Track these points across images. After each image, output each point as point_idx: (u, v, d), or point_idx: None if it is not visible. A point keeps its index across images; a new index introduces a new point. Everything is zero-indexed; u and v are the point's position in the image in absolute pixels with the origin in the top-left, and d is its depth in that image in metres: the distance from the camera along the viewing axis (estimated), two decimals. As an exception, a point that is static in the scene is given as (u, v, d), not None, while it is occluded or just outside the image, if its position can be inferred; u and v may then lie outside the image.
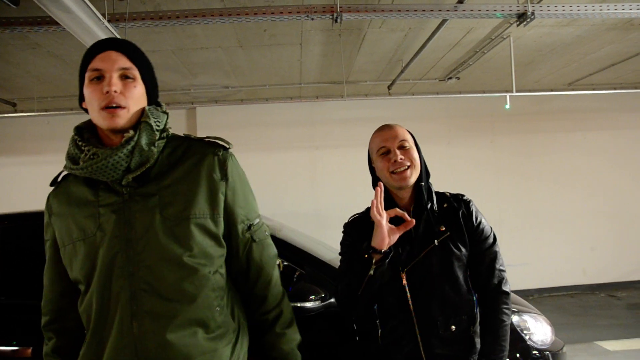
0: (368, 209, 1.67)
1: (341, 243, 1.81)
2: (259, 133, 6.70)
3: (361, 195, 6.64)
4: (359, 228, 1.73)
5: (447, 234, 1.65)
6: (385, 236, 1.50)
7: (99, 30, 2.54)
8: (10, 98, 5.79)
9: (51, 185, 1.32)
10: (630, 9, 3.49)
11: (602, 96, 6.43)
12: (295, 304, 2.41)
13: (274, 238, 2.79)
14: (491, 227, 1.77)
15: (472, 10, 3.37)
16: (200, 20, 3.33)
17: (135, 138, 1.18)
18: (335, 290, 1.78)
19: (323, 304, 2.44)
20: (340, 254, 1.82)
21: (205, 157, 1.29)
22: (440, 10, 3.35)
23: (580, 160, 6.95)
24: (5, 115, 5.87)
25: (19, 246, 3.01)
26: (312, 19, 3.35)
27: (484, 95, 5.76)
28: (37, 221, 2.51)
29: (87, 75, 1.18)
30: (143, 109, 1.23)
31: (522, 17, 3.48)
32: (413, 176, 1.65)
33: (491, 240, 1.74)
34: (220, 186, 1.27)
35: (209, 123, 6.66)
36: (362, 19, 3.56)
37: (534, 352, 2.70)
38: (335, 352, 2.49)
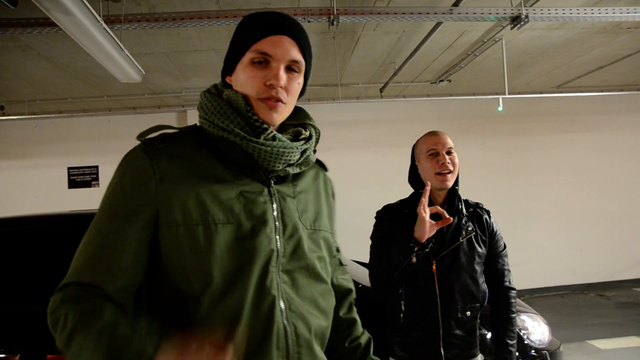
0: (401, 201, 2.02)
1: (376, 227, 2.03)
2: (250, 136, 6.69)
3: (353, 197, 6.69)
4: (391, 214, 1.98)
5: (474, 233, 1.92)
6: (427, 230, 1.69)
7: (96, 31, 2.52)
8: (-2, 101, 5.72)
9: (147, 136, 1.02)
10: (620, 13, 3.55)
11: (590, 98, 6.52)
12: None
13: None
14: (502, 237, 2.05)
15: (467, 13, 3.40)
16: (195, 22, 3.31)
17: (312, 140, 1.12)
18: (370, 271, 1.99)
19: None
20: (372, 237, 2.03)
21: (319, 172, 1.24)
22: (435, 13, 3.38)
23: (569, 161, 7.04)
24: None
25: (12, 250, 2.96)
26: (309, 22, 3.35)
27: (476, 97, 5.81)
28: (25, 226, 2.48)
29: (250, 55, 1.00)
30: (301, 109, 1.17)
31: (516, 20, 3.52)
32: (452, 180, 1.87)
33: (503, 246, 2.02)
34: (333, 204, 1.25)
35: (200, 126, 6.63)
36: (357, 22, 3.57)
37: (532, 351, 2.73)
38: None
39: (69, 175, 6.50)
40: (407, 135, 6.64)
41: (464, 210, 1.95)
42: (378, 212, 2.07)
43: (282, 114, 1.05)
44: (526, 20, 3.47)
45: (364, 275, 2.99)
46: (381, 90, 5.78)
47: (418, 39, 4.26)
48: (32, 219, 3.04)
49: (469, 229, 1.92)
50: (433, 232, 1.73)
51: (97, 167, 6.56)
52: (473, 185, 6.71)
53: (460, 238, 1.89)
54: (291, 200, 1.08)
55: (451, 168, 1.86)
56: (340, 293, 1.25)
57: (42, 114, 5.98)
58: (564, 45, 4.76)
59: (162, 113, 6.59)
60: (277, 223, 1.02)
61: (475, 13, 3.40)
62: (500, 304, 1.99)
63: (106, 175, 6.45)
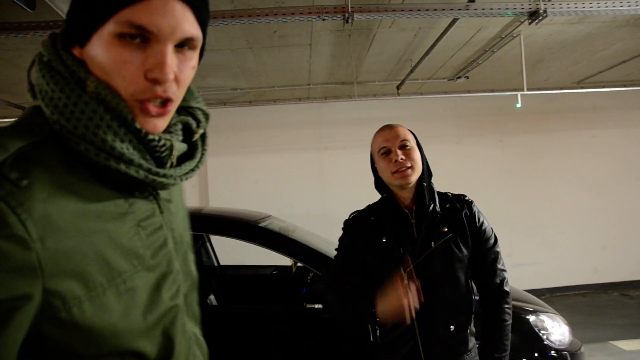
0: (368, 207, 1.83)
1: (340, 240, 1.84)
2: (267, 134, 6.71)
3: (370, 195, 6.65)
4: (359, 227, 1.78)
5: (450, 235, 1.67)
6: (393, 315, 1.50)
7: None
8: (20, 102, 5.81)
9: None
10: (643, 5, 3.47)
11: (612, 94, 6.38)
12: (313, 306, 2.41)
13: (287, 239, 2.81)
14: (492, 228, 1.80)
15: (483, 9, 3.35)
16: (210, 22, 3.31)
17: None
18: (323, 291, 1.82)
19: None
20: (337, 249, 1.86)
21: None
22: (451, 10, 3.33)
23: (590, 158, 6.90)
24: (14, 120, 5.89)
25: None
26: (323, 20, 3.34)
27: (494, 94, 5.73)
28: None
29: (116, 28, 0.65)
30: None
31: (534, 15, 3.46)
32: (414, 175, 1.67)
33: (492, 240, 1.77)
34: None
35: (218, 125, 6.64)
36: (372, 19, 3.54)
37: (552, 352, 2.68)
38: (351, 354, 2.48)
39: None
40: (424, 133, 6.59)
41: (438, 208, 1.71)
42: (345, 222, 1.85)
43: (168, 119, 0.74)
44: (544, 15, 3.40)
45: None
46: (398, 87, 5.74)
47: (434, 36, 4.21)
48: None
49: (443, 230, 1.67)
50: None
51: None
52: (491, 183, 6.68)
53: (432, 244, 1.65)
54: (170, 205, 0.82)
55: (408, 164, 1.65)
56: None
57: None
58: (584, 39, 4.67)
59: (179, 112, 6.62)
60: (171, 244, 0.79)
61: (492, 9, 3.35)
62: (488, 309, 1.74)
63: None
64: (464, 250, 1.69)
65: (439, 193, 1.79)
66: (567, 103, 6.73)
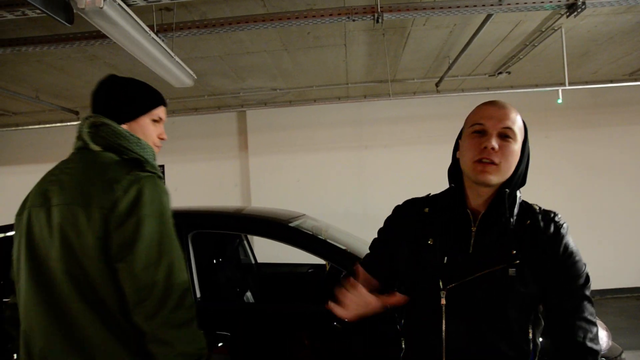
0: (428, 196, 1.49)
1: (379, 231, 1.56)
2: (307, 134, 6.78)
3: (410, 194, 6.61)
4: (406, 217, 1.46)
5: (517, 262, 1.24)
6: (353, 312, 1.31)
7: (145, 41, 2.66)
8: (73, 107, 6.14)
9: None
10: (695, -8, 3.29)
11: (668, 86, 6.06)
12: None
13: (315, 238, 2.85)
14: (585, 264, 1.30)
15: (517, 3, 3.27)
16: (244, 26, 3.40)
17: None
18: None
19: None
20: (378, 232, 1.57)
21: None
22: (484, 6, 3.28)
23: (642, 154, 6.58)
24: (69, 123, 6.23)
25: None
26: (354, 20, 3.36)
27: (535, 90, 5.56)
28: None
29: (149, 117, 1.56)
30: None
31: (572, 7, 3.35)
32: (497, 176, 1.26)
33: (582, 281, 1.28)
34: None
35: (259, 125, 6.81)
36: (404, 18, 3.53)
37: (587, 356, 2.60)
38: (380, 353, 2.50)
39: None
40: (465, 131, 6.50)
41: (513, 222, 1.29)
42: (395, 209, 1.54)
43: None
44: (583, 7, 3.28)
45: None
46: (437, 85, 5.67)
47: (470, 32, 4.14)
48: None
49: (512, 253, 1.25)
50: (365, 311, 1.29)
51: (163, 166, 6.90)
52: (535, 180, 6.44)
53: (492, 265, 1.25)
54: None
55: (497, 159, 1.24)
56: None
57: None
58: (633, 29, 4.45)
59: (222, 113, 6.82)
60: None
61: (526, 3, 3.27)
62: None
63: (171, 174, 6.80)
64: (531, 286, 1.25)
65: (523, 203, 1.37)
66: (618, 96, 6.44)
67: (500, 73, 5.55)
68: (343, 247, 2.82)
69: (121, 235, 1.28)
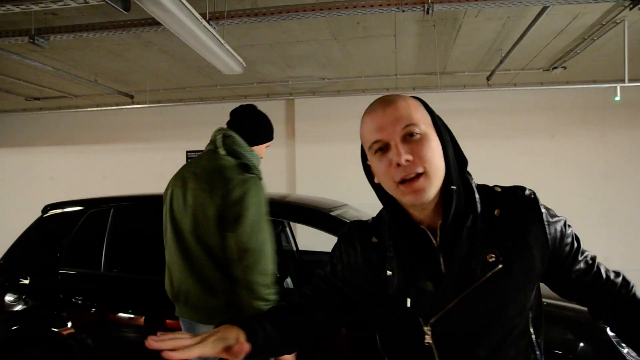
0: (372, 220, 1.24)
1: (329, 255, 1.28)
2: (355, 124, 6.67)
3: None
4: (355, 247, 1.20)
5: (499, 267, 1.03)
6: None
7: (197, 29, 2.74)
8: (128, 91, 6.38)
9: None
10: None
11: None
12: None
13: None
14: (567, 223, 1.13)
15: (576, -5, 3.16)
16: (293, 15, 3.44)
17: None
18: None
19: None
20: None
21: None
22: (539, -3, 3.18)
23: None
24: (125, 107, 6.49)
25: (140, 224, 3.36)
26: (403, 11, 3.33)
27: (592, 86, 5.33)
28: (154, 203, 2.77)
29: (265, 145, 2.37)
30: None
31: None
32: (432, 185, 1.02)
33: (574, 240, 1.13)
34: None
35: (307, 113, 6.86)
36: (455, 10, 3.47)
37: (632, 363, 2.52)
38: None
39: (187, 157, 7.08)
40: (517, 126, 6.34)
41: (479, 222, 1.06)
42: (340, 236, 1.27)
43: None
44: (648, 0, 3.14)
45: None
46: (488, 78, 5.54)
47: (525, 25, 4.02)
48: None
49: (489, 259, 1.03)
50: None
51: (211, 151, 7.06)
52: (589, 181, 6.24)
53: (473, 281, 1.03)
54: None
55: (419, 169, 1.00)
56: None
57: (165, 102, 6.56)
58: (702, 25, 4.21)
59: (271, 101, 6.92)
60: None
61: (585, -5, 3.15)
62: (617, 306, 1.10)
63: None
64: (523, 281, 1.06)
65: (482, 188, 1.14)
66: (683, 95, 6.09)
67: (556, 68, 5.36)
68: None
69: (232, 214, 1.93)
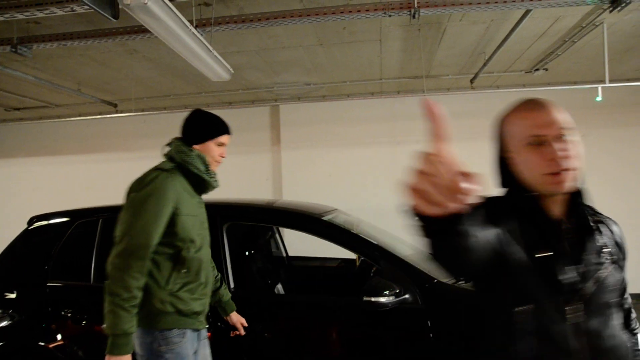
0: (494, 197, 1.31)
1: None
2: (339, 129, 6.79)
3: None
4: (501, 219, 1.23)
5: (614, 257, 1.26)
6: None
7: (186, 36, 2.73)
8: (112, 99, 6.31)
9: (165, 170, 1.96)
10: None
11: None
12: (369, 299, 2.47)
13: (348, 233, 2.88)
14: None
15: (558, -2, 3.22)
16: (281, 21, 3.45)
17: None
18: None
19: (397, 299, 2.47)
20: None
21: None
22: (522, 1, 3.24)
23: (688, 154, 6.36)
24: (109, 115, 6.42)
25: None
26: (390, 16, 3.36)
27: (574, 87, 5.43)
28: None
29: (216, 141, 2.14)
30: None
31: (615, 2, 3.28)
32: (574, 179, 1.22)
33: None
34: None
35: (291, 120, 6.85)
36: (441, 14, 3.51)
37: None
38: (407, 348, 2.52)
39: (173, 166, 7.01)
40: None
41: (592, 223, 1.27)
42: (486, 200, 1.30)
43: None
44: (628, 1, 3.22)
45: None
46: (471, 81, 5.61)
47: (508, 28, 4.08)
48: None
49: (605, 249, 1.24)
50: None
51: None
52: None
53: (603, 265, 1.21)
54: (202, 205, 2.21)
55: (570, 164, 1.18)
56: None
57: (149, 110, 6.50)
58: (679, 25, 4.32)
59: (255, 107, 6.91)
60: (203, 215, 2.18)
61: (567, -2, 3.21)
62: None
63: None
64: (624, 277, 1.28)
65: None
66: (661, 95, 6.24)
67: (537, 70, 5.45)
68: (375, 242, 2.84)
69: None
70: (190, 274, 2.02)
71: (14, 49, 3.68)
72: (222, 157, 2.18)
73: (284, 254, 4.37)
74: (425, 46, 4.63)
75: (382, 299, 2.43)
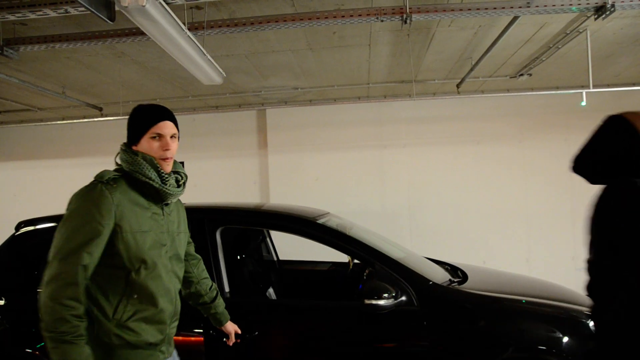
0: None
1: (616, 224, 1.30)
2: (326, 133, 6.82)
3: (428, 193, 6.60)
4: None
5: None
6: None
7: (181, 39, 2.72)
8: (97, 103, 6.24)
9: (105, 181, 1.71)
10: None
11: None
12: (370, 302, 2.49)
13: (344, 236, 2.90)
14: None
15: (545, 5, 3.29)
16: (272, 25, 3.45)
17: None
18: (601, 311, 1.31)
19: (395, 302, 2.50)
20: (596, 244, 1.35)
21: (178, 199, 2.07)
22: (512, 7, 3.30)
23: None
24: (92, 119, 6.34)
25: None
26: (382, 21, 3.39)
27: (558, 92, 5.54)
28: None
29: (150, 134, 1.78)
30: (175, 161, 1.92)
31: (600, 10, 3.36)
32: None
33: None
34: (184, 215, 2.10)
35: (278, 124, 6.86)
36: (432, 19, 3.56)
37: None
38: (405, 349, 2.54)
39: (158, 170, 6.96)
40: (485, 133, 6.53)
41: None
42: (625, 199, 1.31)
43: (170, 165, 1.84)
44: (612, 9, 3.29)
45: (434, 272, 3.01)
46: (458, 86, 5.68)
47: (495, 34, 4.16)
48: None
49: None
50: None
51: (182, 162, 6.97)
52: (556, 183, 6.46)
53: None
54: (169, 216, 1.90)
55: None
56: (193, 257, 2.23)
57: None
58: (658, 33, 4.45)
59: (242, 111, 6.90)
60: (165, 229, 1.87)
61: (554, 5, 3.28)
62: None
63: (191, 170, 6.86)
64: None
65: None
66: (640, 100, 6.40)
67: (522, 75, 5.55)
68: (370, 245, 2.86)
69: None
70: (142, 300, 1.75)
71: (0, 51, 3.62)
72: (166, 150, 1.79)
73: (275, 258, 4.37)
74: (413, 51, 4.69)
75: (382, 302, 2.45)
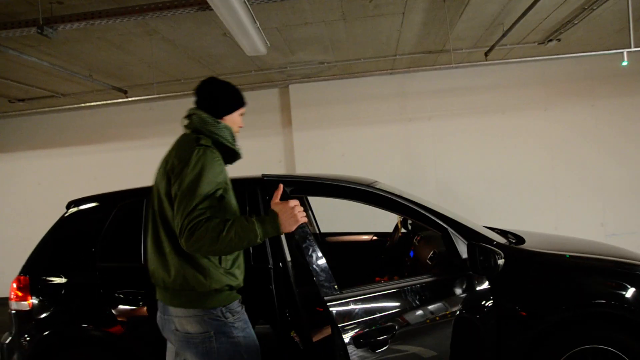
0: None
1: None
2: (351, 108, 6.78)
3: (455, 167, 6.59)
4: None
5: None
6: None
7: (238, 5, 2.68)
8: (122, 85, 6.19)
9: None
10: None
11: None
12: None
13: (407, 200, 2.88)
14: None
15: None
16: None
17: None
18: None
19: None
20: None
21: None
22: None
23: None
24: (115, 100, 6.30)
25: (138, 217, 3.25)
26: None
27: (599, 53, 5.41)
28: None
29: (239, 112, 2.13)
30: None
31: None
32: None
33: None
34: None
35: (302, 101, 6.81)
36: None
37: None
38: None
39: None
40: (511, 100, 6.48)
41: None
42: None
43: None
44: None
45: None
46: (486, 54, 5.62)
47: (532, -4, 4.10)
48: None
49: None
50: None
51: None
52: (582, 150, 6.44)
53: None
54: None
55: None
56: None
57: (164, 94, 6.34)
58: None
59: (264, 90, 6.86)
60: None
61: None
62: None
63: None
64: None
65: None
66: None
67: (551, 40, 5.49)
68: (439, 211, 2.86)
69: (176, 188, 1.85)
70: None
71: (40, 30, 3.58)
72: (241, 127, 2.17)
73: (317, 231, 4.37)
74: (446, 17, 4.63)
75: (500, 262, 2.42)
